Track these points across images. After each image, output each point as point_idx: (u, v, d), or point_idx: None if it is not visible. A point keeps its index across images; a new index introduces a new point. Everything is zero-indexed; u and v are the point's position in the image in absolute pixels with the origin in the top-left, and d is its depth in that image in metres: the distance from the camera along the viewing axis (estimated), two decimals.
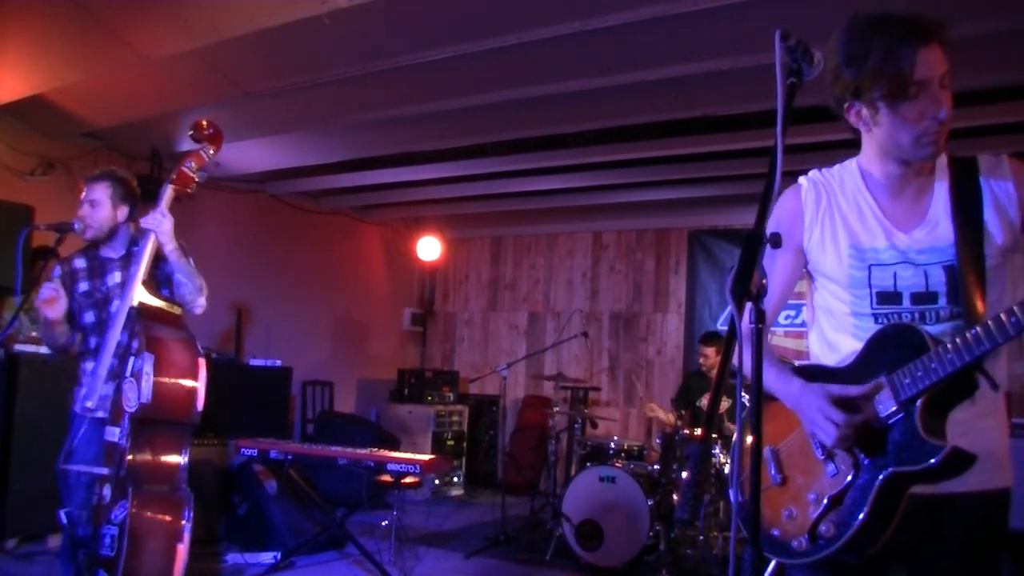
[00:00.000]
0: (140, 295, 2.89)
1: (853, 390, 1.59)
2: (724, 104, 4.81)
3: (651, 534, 4.83)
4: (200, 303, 3.10)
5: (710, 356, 5.77)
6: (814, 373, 1.71)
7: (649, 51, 4.08)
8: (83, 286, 3.14)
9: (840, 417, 1.56)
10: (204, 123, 3.10)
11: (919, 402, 1.52)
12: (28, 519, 4.63)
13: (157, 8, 3.97)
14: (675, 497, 4.95)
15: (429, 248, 8.64)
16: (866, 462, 1.58)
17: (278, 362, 6.70)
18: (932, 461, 1.48)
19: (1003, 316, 1.40)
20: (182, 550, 2.66)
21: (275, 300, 7.48)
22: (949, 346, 1.47)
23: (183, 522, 2.68)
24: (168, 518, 2.67)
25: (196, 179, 3.07)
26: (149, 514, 2.63)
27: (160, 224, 2.97)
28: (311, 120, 5.38)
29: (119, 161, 6.23)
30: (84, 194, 3.16)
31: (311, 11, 3.64)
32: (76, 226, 3.09)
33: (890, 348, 1.58)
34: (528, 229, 8.75)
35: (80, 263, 3.20)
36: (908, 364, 1.53)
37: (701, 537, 4.87)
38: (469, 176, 6.90)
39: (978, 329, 1.43)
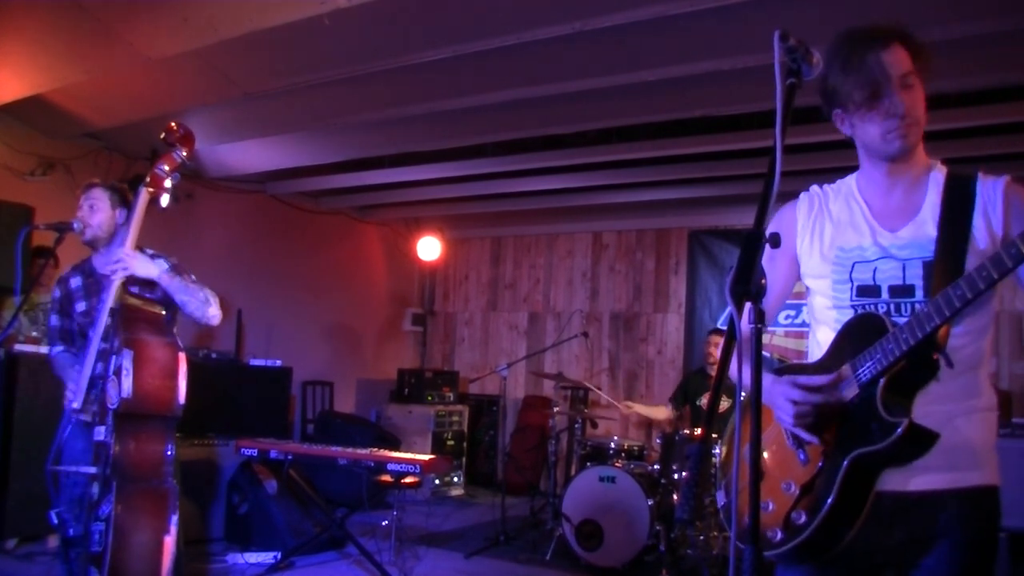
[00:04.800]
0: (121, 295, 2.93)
1: (817, 379, 1.64)
2: (724, 104, 4.81)
3: (651, 534, 4.83)
4: (212, 314, 3.09)
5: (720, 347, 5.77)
6: (787, 370, 1.78)
7: (649, 51, 4.08)
8: (80, 306, 3.15)
9: (798, 395, 1.62)
10: (175, 125, 3.12)
11: (880, 383, 1.55)
12: (28, 519, 4.62)
13: (157, 8, 3.97)
14: (675, 497, 4.95)
15: (429, 248, 8.63)
16: (833, 447, 1.61)
17: (278, 362, 6.70)
18: (891, 438, 1.50)
19: (949, 290, 1.46)
20: (169, 542, 2.67)
21: (275, 300, 7.48)
22: (904, 327, 1.52)
23: (169, 514, 2.70)
24: (154, 511, 2.69)
25: (170, 181, 3.09)
26: (134, 507, 2.65)
27: (128, 265, 2.92)
28: (311, 120, 5.38)
29: (119, 162, 6.24)
30: (82, 199, 3.18)
31: (311, 11, 3.64)
32: (76, 226, 3.10)
33: (857, 337, 1.63)
34: (528, 229, 8.75)
35: (76, 282, 3.20)
36: (869, 348, 1.58)
37: (701, 537, 4.87)
38: (469, 176, 6.90)
39: (928, 306, 1.49)
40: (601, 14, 3.66)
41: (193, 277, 3.19)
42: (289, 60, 4.38)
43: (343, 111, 5.20)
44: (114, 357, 2.75)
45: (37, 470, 4.54)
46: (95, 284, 3.15)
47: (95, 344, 2.85)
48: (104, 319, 2.85)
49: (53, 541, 4.72)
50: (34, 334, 5.12)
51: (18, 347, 4.81)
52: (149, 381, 2.75)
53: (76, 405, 2.84)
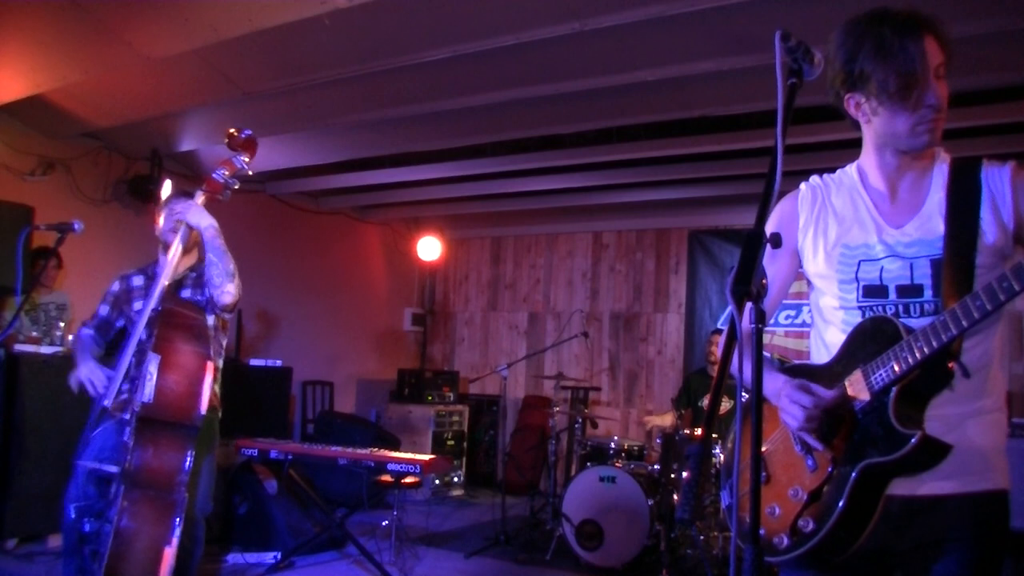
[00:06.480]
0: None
1: (829, 393, 1.59)
2: (724, 104, 4.81)
3: (651, 534, 4.83)
4: (229, 289, 3.06)
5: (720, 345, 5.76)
6: (798, 371, 1.73)
7: (649, 51, 4.08)
8: (137, 304, 3.15)
9: (807, 400, 1.57)
10: (235, 131, 3.11)
11: (892, 392, 1.52)
12: (28, 519, 4.63)
13: (157, 8, 3.97)
14: (675, 497, 4.95)
15: (429, 248, 8.64)
16: (842, 455, 1.58)
17: (278, 362, 6.70)
18: (903, 450, 1.47)
19: (968, 300, 1.42)
20: (169, 553, 2.64)
21: (275, 300, 7.48)
22: (919, 334, 1.48)
23: (173, 526, 2.68)
24: (157, 520, 2.66)
25: (228, 186, 3.09)
26: (137, 514, 2.63)
27: (188, 209, 3.02)
28: (311, 120, 5.38)
29: (119, 162, 6.24)
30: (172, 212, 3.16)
31: (311, 11, 3.65)
32: (76, 227, 3.10)
33: (868, 341, 1.59)
34: (528, 229, 8.75)
35: (138, 281, 3.22)
36: (881, 355, 1.54)
37: (701, 537, 4.87)
38: (469, 176, 6.90)
39: (945, 315, 1.44)
40: (601, 14, 3.66)
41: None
42: (289, 60, 4.38)
43: (343, 111, 5.20)
44: (147, 360, 2.75)
45: (38, 470, 4.59)
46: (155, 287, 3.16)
47: (131, 345, 2.86)
48: (144, 321, 2.86)
49: (53, 541, 4.73)
50: (35, 334, 5.12)
51: (18, 347, 4.81)
52: (171, 388, 2.73)
53: (107, 403, 2.84)
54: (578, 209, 8.00)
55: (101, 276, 6.02)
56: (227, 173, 3.08)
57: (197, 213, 3.02)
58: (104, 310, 3.24)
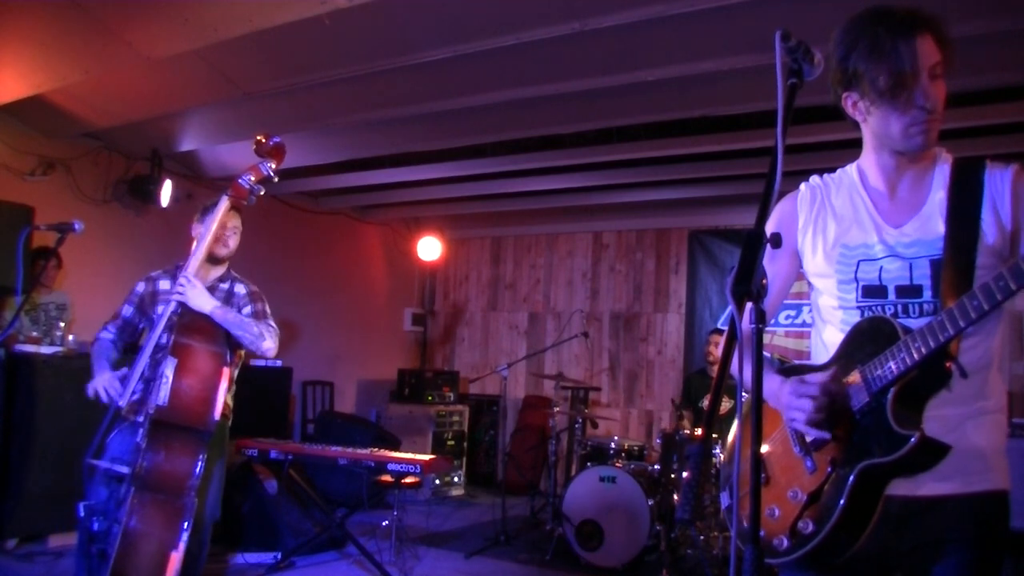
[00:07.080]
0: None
1: (824, 376, 1.59)
2: (724, 104, 4.81)
3: (651, 534, 4.83)
4: (266, 347, 3.08)
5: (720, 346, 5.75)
6: (794, 371, 1.73)
7: (649, 51, 4.08)
8: (161, 308, 3.12)
9: (813, 390, 1.56)
10: (263, 138, 3.12)
11: (891, 392, 1.52)
12: (28, 519, 4.63)
13: (157, 8, 3.97)
14: (676, 497, 4.95)
15: (429, 248, 8.63)
16: (841, 456, 1.57)
17: (278, 362, 6.70)
18: (902, 450, 1.47)
19: (965, 300, 1.41)
20: (175, 558, 2.64)
21: (275, 300, 7.37)
22: (917, 335, 1.47)
23: (180, 531, 2.67)
24: (165, 524, 2.66)
25: (253, 192, 3.09)
26: (146, 516, 2.62)
27: (185, 294, 2.91)
28: (311, 120, 5.38)
29: (119, 161, 6.24)
30: (228, 221, 3.17)
31: (311, 11, 3.65)
32: (76, 227, 3.09)
33: (866, 341, 1.59)
34: (528, 229, 8.75)
35: (164, 284, 3.19)
36: (879, 355, 1.53)
37: (701, 537, 4.87)
38: (469, 176, 6.90)
39: (943, 315, 1.44)
40: (601, 14, 3.66)
41: (265, 308, 3.24)
42: (289, 60, 4.38)
43: (343, 111, 5.20)
44: (163, 363, 2.75)
45: (38, 470, 4.58)
46: None
47: (149, 347, 2.84)
48: (163, 323, 2.85)
49: (53, 541, 4.73)
50: (35, 334, 5.11)
51: (18, 347, 4.81)
52: (186, 392, 2.73)
53: (121, 404, 2.83)
54: (578, 209, 8.00)
55: (101, 276, 6.07)
56: (253, 179, 3.09)
57: (199, 298, 2.94)
58: (128, 311, 3.20)
